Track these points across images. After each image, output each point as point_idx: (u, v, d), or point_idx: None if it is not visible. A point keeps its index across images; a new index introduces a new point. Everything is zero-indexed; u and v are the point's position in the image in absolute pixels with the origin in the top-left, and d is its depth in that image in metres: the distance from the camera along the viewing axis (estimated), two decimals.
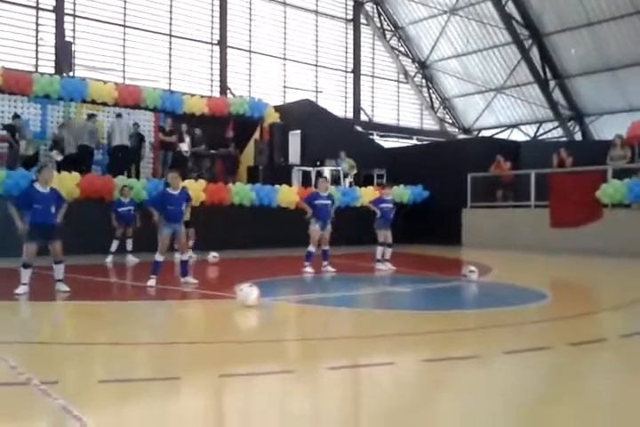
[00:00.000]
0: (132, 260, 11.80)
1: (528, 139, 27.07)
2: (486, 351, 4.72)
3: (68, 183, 13.29)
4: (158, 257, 8.18)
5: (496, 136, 27.57)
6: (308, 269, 9.91)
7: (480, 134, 29.22)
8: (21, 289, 7.13)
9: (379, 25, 28.24)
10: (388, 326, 5.83)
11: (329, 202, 10.18)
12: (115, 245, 11.81)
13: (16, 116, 14.64)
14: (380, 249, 10.75)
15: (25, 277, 7.16)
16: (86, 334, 5.44)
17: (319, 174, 18.12)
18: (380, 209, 10.73)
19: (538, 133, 27.69)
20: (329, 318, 6.50)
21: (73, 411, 3.04)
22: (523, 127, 28.27)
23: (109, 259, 11.66)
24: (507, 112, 28.46)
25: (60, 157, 14.68)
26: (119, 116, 15.87)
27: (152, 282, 8.12)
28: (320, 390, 3.85)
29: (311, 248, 9.99)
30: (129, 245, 12.01)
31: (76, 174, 13.78)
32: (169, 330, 5.76)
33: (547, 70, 25.63)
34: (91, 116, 15.37)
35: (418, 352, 4.77)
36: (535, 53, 25.40)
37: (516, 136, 27.38)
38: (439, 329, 5.57)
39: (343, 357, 4.67)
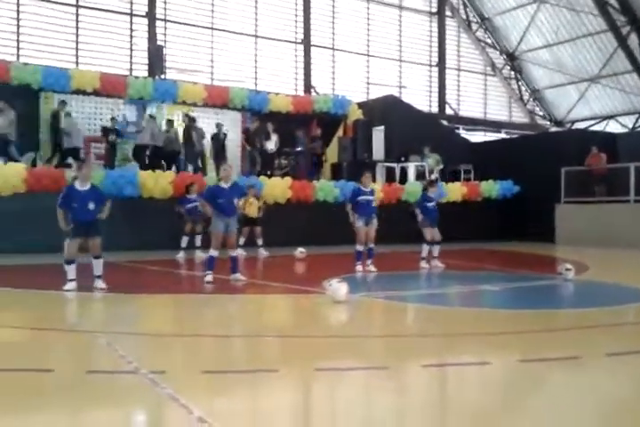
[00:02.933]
0: (200, 256, 11.96)
1: (626, 130, 25.65)
2: (586, 353, 4.53)
3: (162, 181, 13.89)
4: (212, 252, 8.06)
5: (591, 128, 26.33)
6: (359, 268, 9.49)
7: (573, 126, 28.00)
8: (69, 286, 7.26)
9: (464, 17, 27.63)
10: (480, 324, 5.71)
11: (372, 198, 9.65)
12: (184, 241, 12.01)
13: (112, 119, 15.48)
14: (426, 247, 10.37)
15: (71, 273, 7.27)
16: (183, 326, 5.67)
17: (403, 170, 18.00)
18: (424, 209, 10.30)
19: (637, 124, 26.19)
20: (418, 316, 6.46)
21: (180, 399, 3.20)
22: (620, 118, 26.81)
23: (181, 254, 11.92)
24: (602, 103, 27.08)
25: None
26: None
27: (209, 278, 8.03)
28: (416, 387, 3.84)
29: (358, 247, 9.53)
30: (198, 240, 12.07)
31: (170, 173, 14.39)
32: (263, 324, 5.91)
33: None
34: (190, 118, 16.05)
35: (513, 352, 4.64)
36: (634, 40, 24.01)
37: (613, 128, 26.01)
38: (534, 329, 5.41)
39: (436, 355, 4.63)
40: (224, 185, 8.17)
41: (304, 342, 4.89)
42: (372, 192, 9.74)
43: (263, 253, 12.53)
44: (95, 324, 5.74)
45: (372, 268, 9.59)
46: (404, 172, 18.05)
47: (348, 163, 17.69)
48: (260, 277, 8.92)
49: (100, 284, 7.41)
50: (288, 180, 15.57)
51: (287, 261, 11.80)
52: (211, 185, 8.42)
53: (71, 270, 7.27)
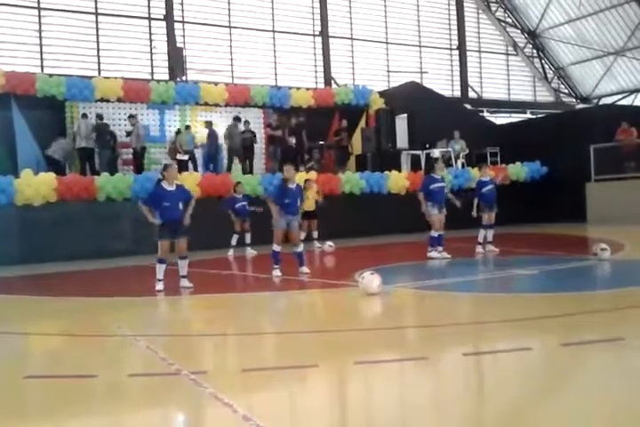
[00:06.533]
0: (250, 252, 12.27)
1: None
2: (629, 334, 4.46)
3: (190, 183, 14.01)
4: (275, 247, 8.40)
5: (618, 103, 25.72)
6: (435, 255, 9.74)
7: (600, 102, 27.40)
8: (160, 286, 7.56)
9: None
10: (518, 310, 5.65)
11: (444, 184, 10.03)
12: (235, 239, 12.31)
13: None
14: (482, 232, 10.46)
15: (160, 272, 7.56)
16: (219, 326, 5.73)
17: (428, 157, 17.82)
18: (482, 195, 10.39)
19: None
20: (454, 304, 6.41)
21: (224, 399, 3.25)
22: None
23: (231, 252, 12.19)
24: (629, 76, 26.43)
25: (185, 157, 15.53)
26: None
27: (277, 272, 8.39)
28: (457, 376, 3.82)
29: (434, 233, 9.82)
30: (247, 238, 12.47)
31: (196, 174, 14.52)
32: (298, 319, 5.95)
33: None
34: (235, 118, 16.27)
35: (554, 336, 4.59)
36: None
37: None
38: (573, 311, 5.34)
39: (476, 343, 4.61)
40: (290, 185, 8.41)
41: (339, 336, 4.91)
42: (442, 179, 10.06)
43: (317, 245, 12.56)
44: (134, 327, 5.83)
45: (446, 254, 9.80)
46: (429, 159, 17.88)
47: (372, 153, 17.61)
48: (290, 272, 8.92)
49: (185, 283, 7.67)
50: (313, 174, 15.57)
51: (317, 255, 11.82)
52: (280, 184, 8.63)
53: (161, 270, 7.51)
